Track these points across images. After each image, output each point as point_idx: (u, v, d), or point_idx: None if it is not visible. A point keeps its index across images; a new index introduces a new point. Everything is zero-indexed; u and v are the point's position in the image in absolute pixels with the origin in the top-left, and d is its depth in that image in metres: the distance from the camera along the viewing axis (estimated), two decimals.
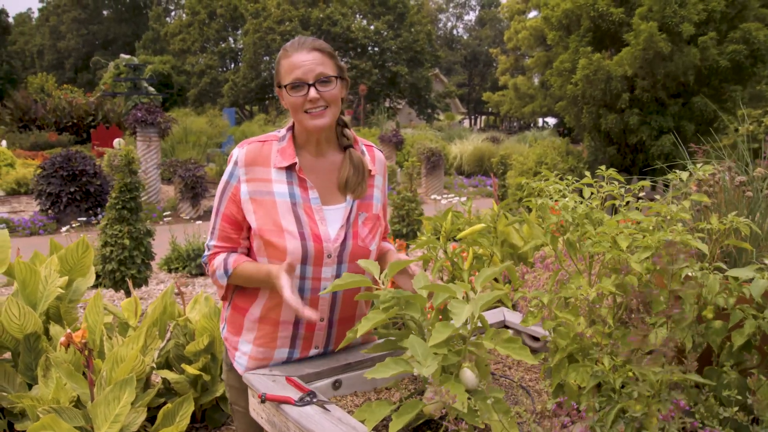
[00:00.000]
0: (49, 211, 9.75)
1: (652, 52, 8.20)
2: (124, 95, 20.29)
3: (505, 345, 1.41)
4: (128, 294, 4.60)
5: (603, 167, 1.77)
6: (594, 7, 8.99)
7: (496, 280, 2.47)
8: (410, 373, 1.42)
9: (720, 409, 1.13)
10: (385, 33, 35.96)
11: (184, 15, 42.90)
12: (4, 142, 17.47)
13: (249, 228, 1.78)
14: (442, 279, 1.96)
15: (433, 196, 12.91)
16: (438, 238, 1.69)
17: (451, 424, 1.15)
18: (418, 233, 1.76)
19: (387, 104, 36.53)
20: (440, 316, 1.63)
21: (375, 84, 34.63)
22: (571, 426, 1.20)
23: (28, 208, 11.29)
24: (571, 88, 9.24)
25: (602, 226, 1.59)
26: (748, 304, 1.34)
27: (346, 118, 1.89)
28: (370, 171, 1.86)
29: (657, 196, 1.61)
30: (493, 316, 2.21)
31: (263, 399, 1.56)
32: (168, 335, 3.15)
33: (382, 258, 1.90)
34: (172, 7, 55.30)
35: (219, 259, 1.80)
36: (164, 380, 3.15)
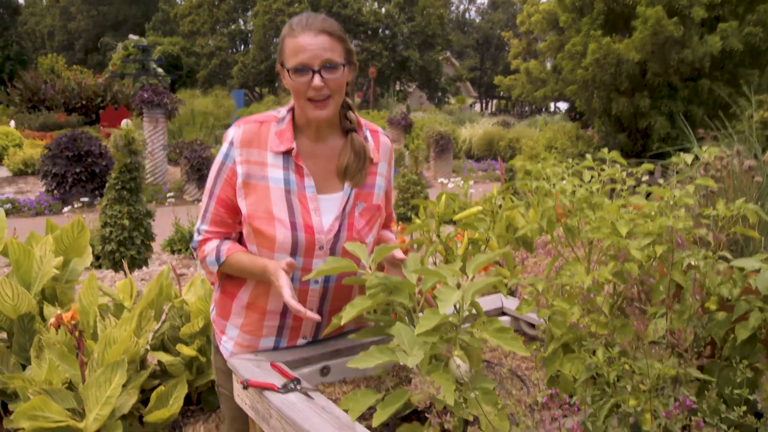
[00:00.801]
0: (55, 192, 9.74)
1: (662, 37, 8.04)
2: (133, 76, 20.24)
3: (495, 334, 1.35)
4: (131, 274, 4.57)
5: (606, 150, 1.69)
6: None
7: (500, 265, 2.39)
8: (398, 362, 1.36)
9: (722, 407, 1.06)
10: (397, 16, 35.64)
11: None
12: (12, 123, 17.50)
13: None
14: (435, 265, 1.89)
15: (440, 180, 12.82)
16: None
17: (434, 417, 1.09)
18: (413, 217, 1.70)
19: (397, 87, 36.31)
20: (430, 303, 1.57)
21: (385, 67, 34.41)
22: (562, 419, 1.14)
23: (35, 189, 11.30)
24: (581, 72, 9.10)
25: (601, 210, 1.51)
26: (753, 295, 1.26)
27: (353, 100, 1.80)
28: (372, 159, 1.76)
29: (661, 181, 1.53)
30: (490, 303, 2.15)
31: (246, 385, 1.50)
32: (163, 317, 3.11)
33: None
34: None
35: (211, 246, 1.72)
36: (159, 362, 3.11)
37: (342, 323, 1.43)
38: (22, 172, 12.81)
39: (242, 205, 1.66)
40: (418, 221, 1.60)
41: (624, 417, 1.12)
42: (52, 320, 2.39)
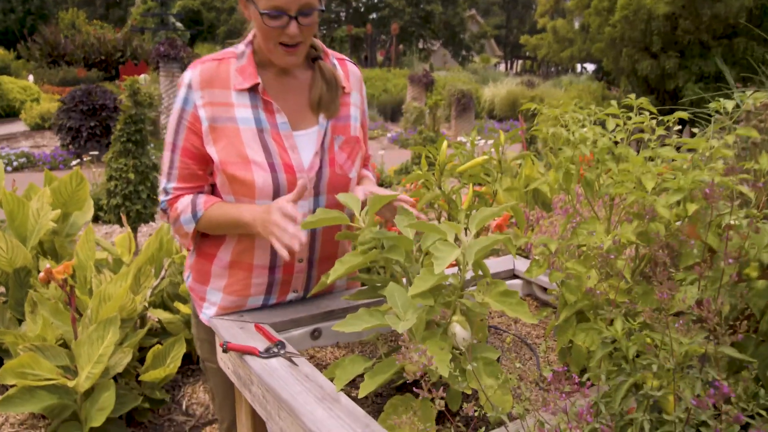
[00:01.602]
0: (70, 146, 9.68)
1: None
2: (152, 30, 20.01)
3: (499, 298, 1.19)
4: (134, 230, 4.47)
5: (633, 96, 1.50)
6: None
7: (516, 225, 2.23)
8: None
9: (761, 392, 0.90)
10: None
11: None
12: (30, 77, 17.46)
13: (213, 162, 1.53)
14: (439, 221, 1.74)
15: (460, 139, 12.57)
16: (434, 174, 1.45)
17: (423, 391, 0.94)
18: (414, 167, 1.53)
19: (420, 46, 35.62)
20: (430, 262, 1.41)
21: (408, 23, 33.68)
22: (572, 398, 0.99)
23: (51, 143, 11.26)
24: (609, 30, 8.72)
25: (626, 163, 1.33)
26: None
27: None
28: (344, 88, 1.61)
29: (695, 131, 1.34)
30: (501, 265, 1.99)
31: (225, 348, 1.37)
32: (163, 273, 3.00)
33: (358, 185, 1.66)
34: None
35: (184, 201, 1.54)
36: (159, 320, 3.02)
37: (329, 281, 1.28)
38: (39, 127, 12.78)
39: (212, 152, 1.49)
40: (418, 172, 1.43)
41: (643, 399, 0.96)
42: (41, 275, 2.28)
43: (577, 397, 1.01)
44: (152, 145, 4.60)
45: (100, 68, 20.29)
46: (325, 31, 31.61)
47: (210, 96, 1.48)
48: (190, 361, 3.11)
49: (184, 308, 2.85)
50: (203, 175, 1.55)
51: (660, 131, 1.41)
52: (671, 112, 1.44)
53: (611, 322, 1.23)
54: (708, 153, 1.23)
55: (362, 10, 36.87)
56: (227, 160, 1.48)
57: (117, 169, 4.20)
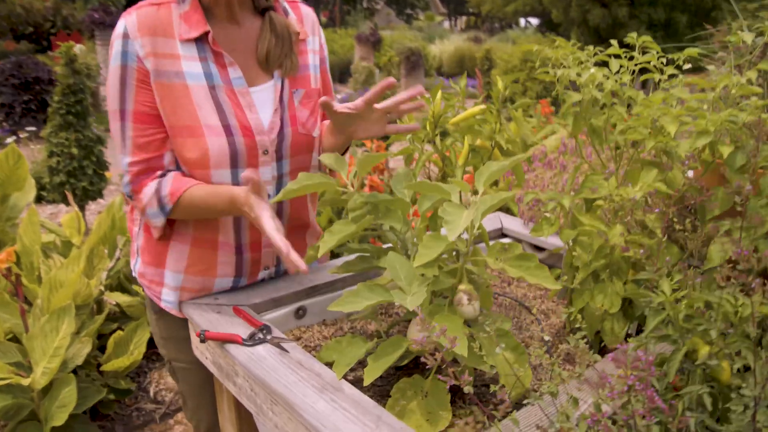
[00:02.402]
0: (4, 124, 9.10)
1: None
2: None
3: (516, 263, 1.06)
4: (82, 209, 4.19)
5: (635, 35, 1.37)
6: None
7: (495, 182, 2.09)
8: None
9: None
10: None
11: None
12: None
13: None
14: (429, 179, 1.61)
15: None
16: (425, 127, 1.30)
17: (449, 378, 0.81)
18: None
19: (364, 5, 34.94)
20: (428, 227, 1.27)
21: None
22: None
23: None
24: None
25: (639, 106, 1.21)
26: None
27: None
28: (299, 34, 1.41)
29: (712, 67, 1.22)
30: (487, 224, 1.86)
31: (203, 338, 1.21)
32: (118, 253, 2.79)
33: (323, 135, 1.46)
34: None
35: (148, 192, 1.31)
36: (117, 304, 2.81)
37: (320, 255, 1.12)
38: None
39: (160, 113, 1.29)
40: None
41: (694, 369, 0.85)
42: None
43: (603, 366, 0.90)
44: (94, 117, 4.29)
45: (30, 40, 19.15)
46: None
47: (152, 45, 1.26)
48: (154, 345, 2.91)
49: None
50: (163, 139, 1.31)
51: (670, 71, 1.28)
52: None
53: (633, 282, 1.12)
54: (734, 90, 1.11)
55: None
56: (175, 125, 1.28)
57: (58, 144, 3.89)
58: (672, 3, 8.33)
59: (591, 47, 1.36)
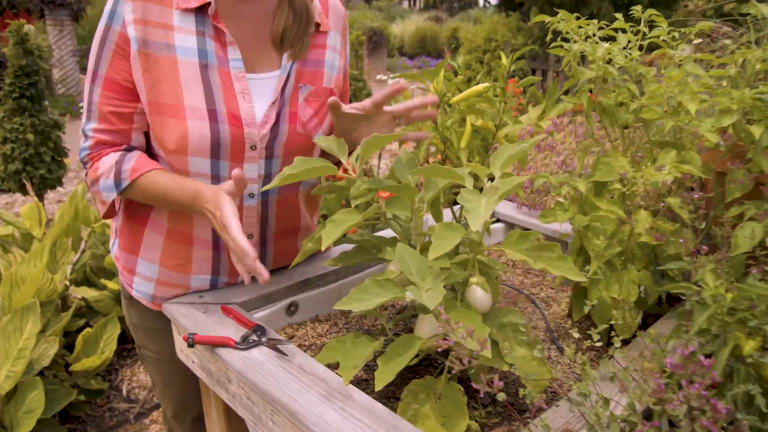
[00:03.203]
0: None
1: None
2: None
3: (536, 255, 0.98)
4: (40, 198, 3.98)
5: (639, 8, 1.29)
6: None
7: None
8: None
9: None
10: None
11: None
12: None
13: None
14: (427, 162, 1.52)
15: (378, 77, 12.22)
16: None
17: (483, 384, 0.73)
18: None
19: None
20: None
21: None
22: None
23: None
24: None
25: (652, 83, 1.14)
26: None
27: None
28: (319, 25, 1.28)
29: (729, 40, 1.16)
30: None
31: (191, 342, 1.11)
32: (82, 245, 2.64)
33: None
34: None
35: (108, 161, 1.20)
36: (84, 299, 2.67)
37: (324, 248, 1.02)
38: None
39: (139, 86, 1.16)
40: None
41: (740, 366, 0.79)
42: None
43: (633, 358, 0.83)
44: (47, 101, 4.06)
45: None
46: None
47: (144, 11, 1.14)
48: (125, 340, 2.78)
49: (111, 284, 2.52)
50: (130, 113, 1.19)
51: (682, 46, 1.22)
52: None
53: (685, 276, 1.06)
54: (758, 65, 1.05)
55: None
56: (156, 101, 1.15)
57: (12, 130, 3.67)
58: None
59: (595, 21, 1.29)
